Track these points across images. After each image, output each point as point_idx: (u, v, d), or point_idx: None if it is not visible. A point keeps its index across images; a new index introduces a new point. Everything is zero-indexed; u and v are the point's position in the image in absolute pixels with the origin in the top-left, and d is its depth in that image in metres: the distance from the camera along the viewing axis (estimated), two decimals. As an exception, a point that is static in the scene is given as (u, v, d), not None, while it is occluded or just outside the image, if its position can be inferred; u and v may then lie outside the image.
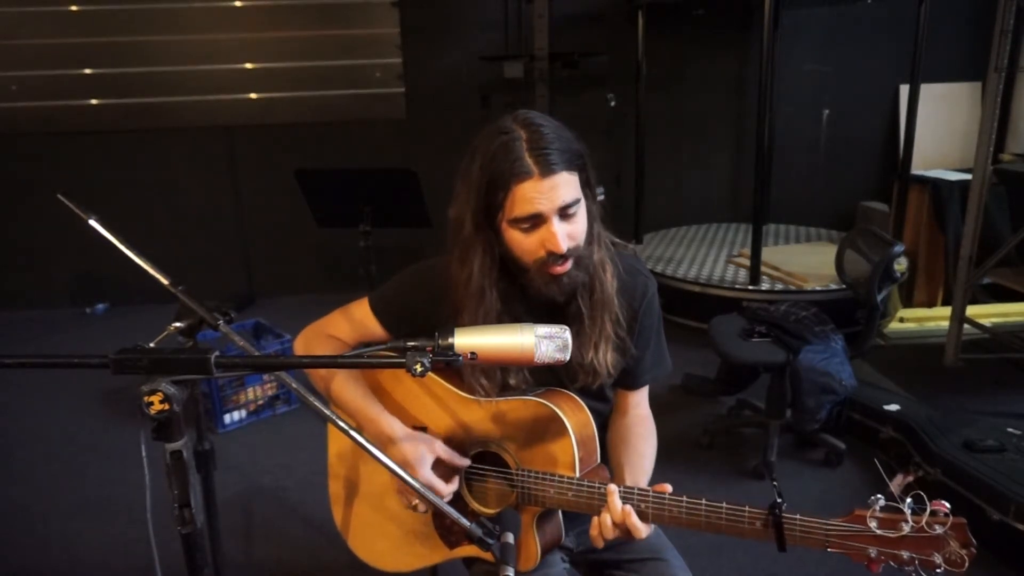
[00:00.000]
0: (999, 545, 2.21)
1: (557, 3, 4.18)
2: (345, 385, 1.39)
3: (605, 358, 1.31)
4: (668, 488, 1.19)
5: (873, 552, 1.04)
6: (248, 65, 4.52)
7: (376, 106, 4.64)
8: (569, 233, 1.20)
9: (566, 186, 1.18)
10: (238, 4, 4.43)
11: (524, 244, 1.21)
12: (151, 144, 4.60)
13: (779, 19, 4.42)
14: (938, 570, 1.02)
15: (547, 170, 1.16)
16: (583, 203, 1.23)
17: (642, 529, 1.17)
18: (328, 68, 4.56)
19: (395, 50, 4.57)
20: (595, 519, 1.21)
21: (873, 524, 1.04)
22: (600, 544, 1.21)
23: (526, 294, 1.29)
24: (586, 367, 1.31)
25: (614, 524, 1.18)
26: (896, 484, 0.96)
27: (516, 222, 1.19)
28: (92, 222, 1.21)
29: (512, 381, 1.33)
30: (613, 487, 1.19)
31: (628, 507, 1.17)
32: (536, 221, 1.19)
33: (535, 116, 1.21)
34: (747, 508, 1.12)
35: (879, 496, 1.04)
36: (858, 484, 2.66)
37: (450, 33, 4.66)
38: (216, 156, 4.70)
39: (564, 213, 1.19)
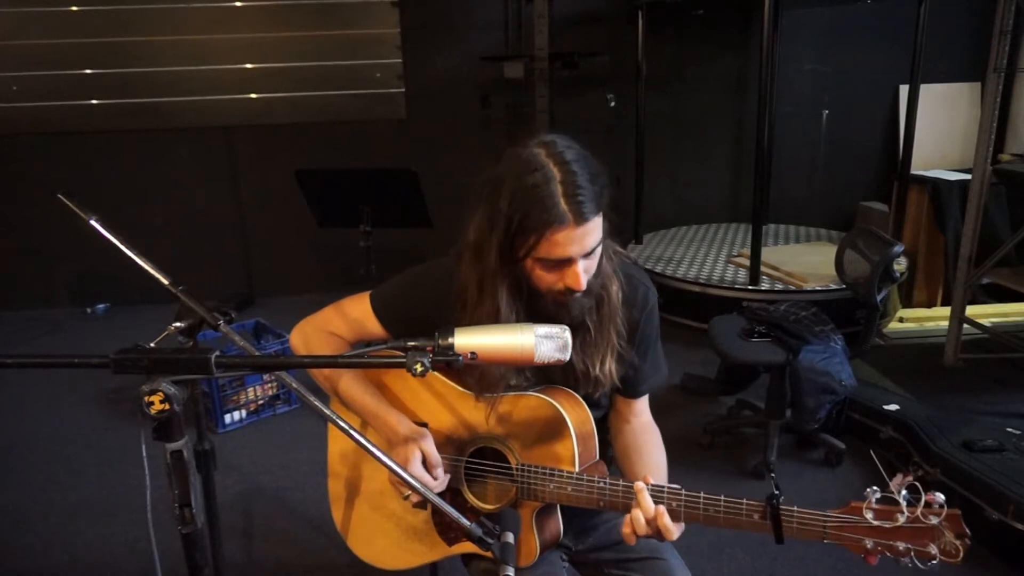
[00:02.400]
0: (999, 545, 2.21)
1: (557, 3, 4.18)
2: (353, 384, 1.39)
3: (610, 369, 1.32)
4: (650, 480, 1.20)
5: (869, 543, 1.06)
6: (248, 65, 4.52)
7: (376, 106, 4.64)
8: (587, 268, 1.21)
9: (595, 231, 1.18)
10: (238, 4, 4.43)
11: (544, 278, 1.21)
12: (151, 144, 4.60)
13: (779, 19, 4.42)
14: (933, 561, 1.03)
15: (582, 219, 1.14)
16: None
17: (673, 530, 1.18)
18: (328, 68, 4.56)
19: (395, 50, 4.57)
20: (627, 517, 1.20)
21: (869, 515, 1.06)
22: (632, 541, 1.21)
23: (536, 311, 1.29)
24: (591, 379, 1.32)
25: (647, 522, 1.18)
26: (896, 484, 0.96)
27: (542, 261, 1.19)
28: (92, 222, 1.21)
29: (512, 382, 1.34)
30: (640, 484, 1.19)
31: (661, 507, 1.17)
32: (563, 263, 1.19)
33: (565, 149, 1.17)
34: (745, 500, 1.14)
35: (875, 488, 1.06)
36: (858, 484, 2.66)
37: (450, 33, 4.66)
38: (216, 156, 4.70)
39: (588, 254, 1.20)
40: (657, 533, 1.18)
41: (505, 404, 1.31)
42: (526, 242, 1.17)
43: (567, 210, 1.13)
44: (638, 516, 1.18)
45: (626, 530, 1.21)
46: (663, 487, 1.19)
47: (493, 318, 1.25)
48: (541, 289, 1.24)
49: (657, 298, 1.42)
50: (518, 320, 1.26)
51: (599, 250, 1.23)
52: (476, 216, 1.24)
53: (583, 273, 1.19)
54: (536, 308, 1.27)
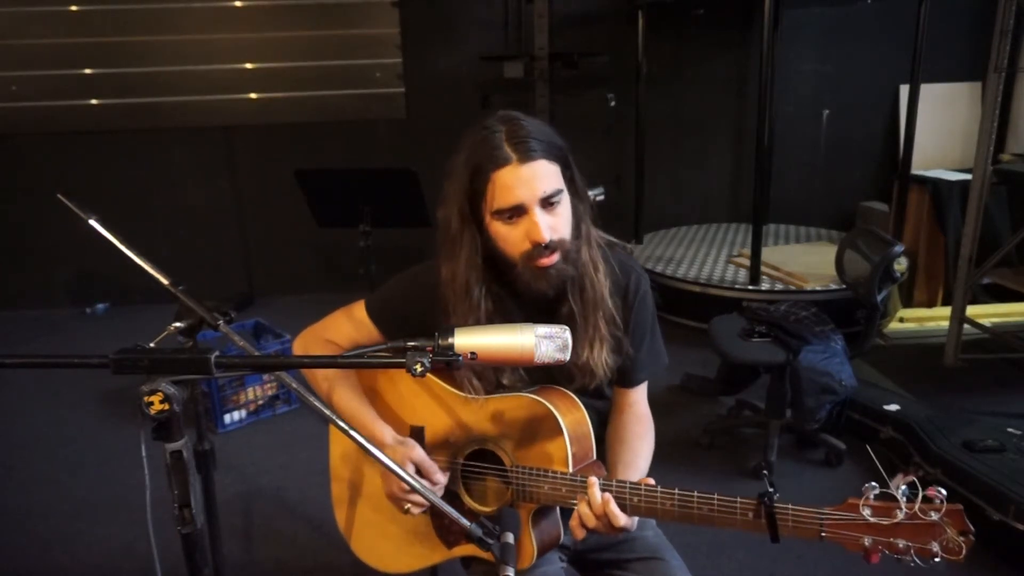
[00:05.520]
0: (999, 545, 2.21)
1: (557, 3, 4.18)
2: (344, 393, 1.39)
3: (601, 358, 1.31)
4: (650, 481, 1.19)
5: (868, 541, 1.02)
6: (248, 65, 4.52)
7: (376, 106, 4.64)
8: (552, 225, 1.21)
9: (546, 175, 1.19)
10: (238, 4, 4.43)
11: (509, 237, 1.22)
12: (151, 144, 4.60)
13: (779, 19, 4.42)
14: (935, 559, 0.99)
15: (525, 157, 1.17)
16: (566, 196, 1.24)
17: (621, 518, 1.17)
18: (328, 68, 4.56)
19: (395, 50, 4.57)
20: (575, 511, 1.21)
21: (866, 512, 1.02)
22: (580, 535, 1.21)
23: (517, 293, 1.30)
24: (582, 367, 1.31)
25: (595, 514, 1.18)
26: (896, 483, 0.94)
27: (499, 213, 1.20)
28: (92, 222, 1.21)
29: (506, 381, 1.33)
30: (594, 479, 1.20)
31: (607, 495, 1.18)
32: (518, 211, 1.20)
33: (516, 113, 1.24)
34: (739, 499, 1.12)
35: (873, 484, 1.03)
36: (858, 484, 2.62)
37: (450, 33, 4.66)
38: (216, 156, 4.70)
39: (546, 203, 1.20)
40: (608, 526, 1.18)
41: (499, 405, 1.31)
42: (478, 192, 1.20)
43: (510, 150, 1.17)
44: (584, 509, 1.19)
45: (572, 523, 1.21)
46: (612, 481, 1.20)
47: (452, 284, 1.28)
48: (514, 257, 1.23)
49: (650, 284, 1.41)
50: (479, 284, 1.27)
51: (563, 208, 1.23)
52: (443, 195, 1.28)
53: (544, 226, 1.19)
54: (515, 284, 1.27)
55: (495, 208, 1.20)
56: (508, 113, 1.23)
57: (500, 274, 1.29)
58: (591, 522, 1.19)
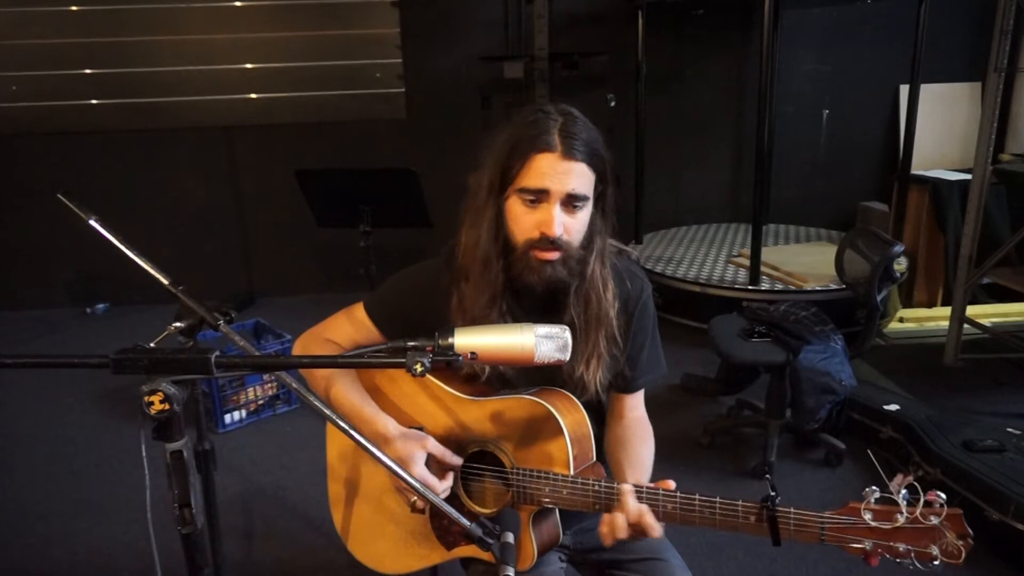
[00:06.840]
0: (999, 545, 2.21)
1: (557, 3, 4.18)
2: (342, 388, 1.39)
3: (595, 376, 1.31)
4: (671, 484, 1.18)
5: (868, 544, 1.04)
6: (248, 65, 4.52)
7: (376, 106, 4.64)
8: (566, 225, 1.21)
9: (580, 177, 1.20)
10: (238, 4, 4.43)
11: (522, 219, 1.23)
12: (151, 144, 4.60)
13: (779, 19, 4.42)
14: (935, 562, 1.01)
15: (569, 153, 1.19)
16: (590, 205, 1.24)
17: (657, 528, 1.15)
18: (328, 68, 4.56)
19: (395, 50, 4.57)
20: (606, 516, 1.19)
21: (868, 516, 1.04)
22: (609, 542, 1.19)
23: (521, 289, 1.29)
24: (576, 381, 1.31)
25: (628, 524, 1.16)
26: (896, 484, 0.95)
27: (523, 192, 1.21)
28: (92, 222, 1.20)
29: (502, 368, 1.33)
30: (628, 487, 1.17)
31: (644, 506, 1.16)
32: (540, 197, 1.20)
33: (576, 111, 1.25)
34: (740, 502, 1.12)
35: (874, 488, 1.04)
36: (858, 484, 2.66)
37: (450, 33, 4.66)
38: (216, 156, 4.70)
39: (569, 204, 1.21)
40: (640, 534, 1.17)
41: (499, 405, 1.31)
42: (512, 166, 1.21)
43: (557, 140, 1.19)
44: (620, 519, 1.16)
45: (603, 529, 1.19)
46: (658, 490, 1.17)
47: (473, 252, 1.27)
48: (518, 241, 1.24)
49: (652, 290, 1.42)
50: (498, 258, 1.26)
51: (583, 215, 1.23)
52: (480, 163, 1.28)
53: (557, 221, 1.20)
54: (511, 275, 1.27)
55: (521, 185, 1.21)
56: (568, 108, 1.25)
57: (504, 253, 1.28)
58: (623, 533, 1.16)
